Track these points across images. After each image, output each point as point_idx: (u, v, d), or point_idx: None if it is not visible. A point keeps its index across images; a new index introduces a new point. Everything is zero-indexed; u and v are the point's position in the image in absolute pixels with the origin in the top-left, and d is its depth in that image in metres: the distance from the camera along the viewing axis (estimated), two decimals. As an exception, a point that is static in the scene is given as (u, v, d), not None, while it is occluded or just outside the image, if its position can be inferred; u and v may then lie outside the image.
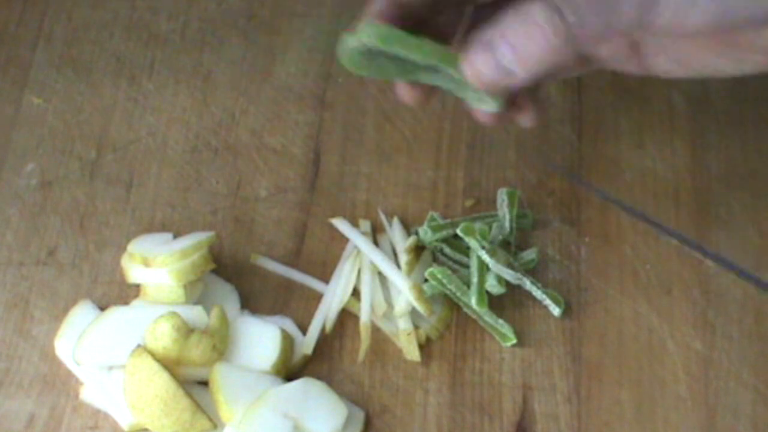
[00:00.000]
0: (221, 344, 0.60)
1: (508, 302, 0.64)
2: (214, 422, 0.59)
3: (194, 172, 0.70)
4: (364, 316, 0.63)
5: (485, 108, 0.55)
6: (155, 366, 0.58)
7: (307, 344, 0.62)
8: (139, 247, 0.64)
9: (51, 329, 0.64)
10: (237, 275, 0.65)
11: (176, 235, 0.66)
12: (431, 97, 0.57)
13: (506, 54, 0.51)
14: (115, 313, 0.62)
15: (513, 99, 0.56)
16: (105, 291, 0.65)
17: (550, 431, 0.60)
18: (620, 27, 0.49)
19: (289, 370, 0.62)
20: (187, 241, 0.63)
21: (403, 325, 0.63)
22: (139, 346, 0.59)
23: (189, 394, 0.58)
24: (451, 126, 0.71)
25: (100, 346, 0.60)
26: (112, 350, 0.60)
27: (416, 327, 0.63)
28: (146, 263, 0.62)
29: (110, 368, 0.61)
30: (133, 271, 0.63)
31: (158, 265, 0.62)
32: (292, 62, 0.74)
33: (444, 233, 0.65)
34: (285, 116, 0.72)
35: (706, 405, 0.61)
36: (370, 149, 0.70)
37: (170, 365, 0.58)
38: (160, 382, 0.57)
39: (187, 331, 0.59)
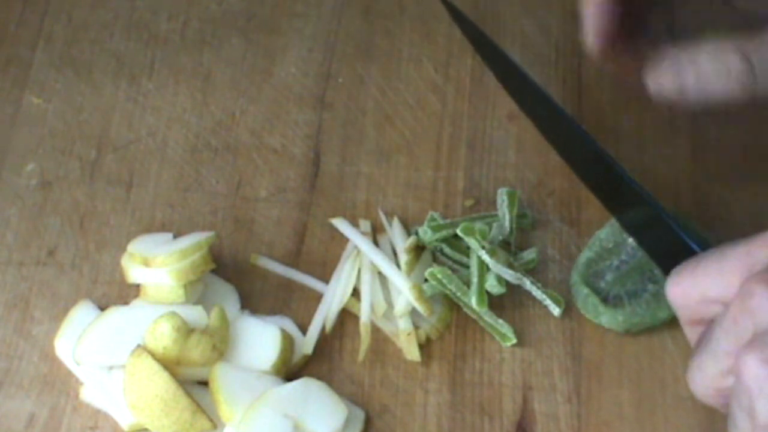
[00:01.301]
0: (221, 344, 0.60)
1: (508, 302, 0.64)
2: (214, 422, 0.59)
3: (194, 172, 0.70)
4: (364, 316, 0.63)
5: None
6: (155, 366, 0.58)
7: (307, 344, 0.62)
8: (139, 247, 0.64)
9: (51, 329, 0.63)
10: (237, 275, 0.65)
11: (176, 235, 0.66)
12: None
13: (690, 79, 0.56)
14: (115, 313, 0.62)
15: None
16: (105, 291, 0.65)
17: (550, 431, 0.60)
18: None
19: (289, 370, 0.62)
20: (187, 241, 0.63)
21: (403, 325, 0.63)
22: (139, 346, 0.59)
23: (189, 394, 0.58)
24: (451, 126, 0.71)
25: (100, 346, 0.60)
26: (112, 350, 0.60)
27: (416, 327, 0.63)
28: (146, 263, 0.62)
29: (110, 368, 0.61)
30: (133, 271, 0.63)
31: (158, 265, 0.62)
32: (292, 62, 0.74)
33: (444, 233, 0.65)
34: (285, 116, 0.72)
35: (706, 405, 0.61)
36: (370, 149, 0.70)
37: (170, 365, 0.58)
38: (160, 382, 0.57)
39: (187, 331, 0.59)
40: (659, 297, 0.62)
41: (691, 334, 0.51)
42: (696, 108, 0.58)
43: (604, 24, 0.60)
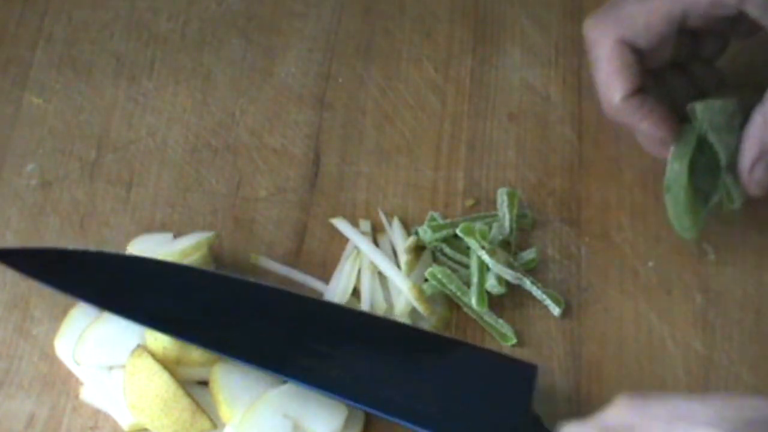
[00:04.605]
0: (221, 344, 0.60)
1: (508, 302, 0.64)
2: (214, 422, 0.59)
3: (194, 172, 0.70)
4: (364, 316, 0.63)
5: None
6: (155, 366, 0.58)
7: (307, 344, 0.62)
8: (139, 247, 0.64)
9: (51, 329, 0.63)
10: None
11: (176, 235, 0.66)
12: None
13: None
14: (115, 313, 0.62)
15: None
16: (105, 291, 0.65)
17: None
18: None
19: (289, 370, 0.62)
20: (187, 241, 0.63)
21: (403, 325, 0.63)
22: (139, 346, 0.59)
23: (189, 394, 0.58)
24: (451, 126, 0.71)
25: (100, 346, 0.60)
26: (112, 350, 0.60)
27: (416, 327, 0.63)
28: (146, 263, 0.62)
29: (110, 368, 0.61)
30: (133, 271, 0.63)
31: (158, 265, 0.62)
32: (292, 62, 0.74)
33: (444, 233, 0.65)
34: (285, 116, 0.72)
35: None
36: (370, 149, 0.70)
37: (170, 365, 0.58)
38: (160, 382, 0.57)
39: (187, 331, 0.59)
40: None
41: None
42: None
43: (628, 83, 0.60)
